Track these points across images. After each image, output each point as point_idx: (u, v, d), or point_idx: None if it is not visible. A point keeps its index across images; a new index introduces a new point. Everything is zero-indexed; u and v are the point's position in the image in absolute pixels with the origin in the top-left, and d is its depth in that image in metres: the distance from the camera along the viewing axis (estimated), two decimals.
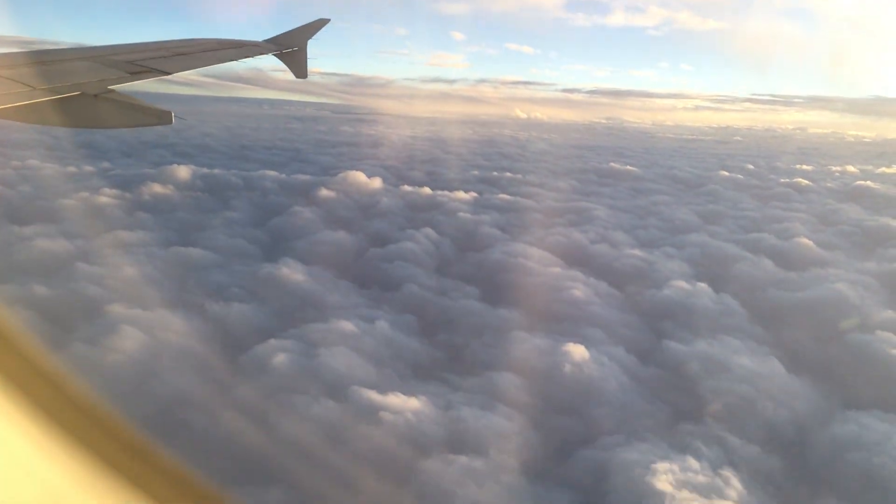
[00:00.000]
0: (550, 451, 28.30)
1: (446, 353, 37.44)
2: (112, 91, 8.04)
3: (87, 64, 9.13)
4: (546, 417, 30.71)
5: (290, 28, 15.30)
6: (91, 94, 7.76)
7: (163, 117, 7.91)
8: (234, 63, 12.18)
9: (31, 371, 2.62)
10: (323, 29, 15.62)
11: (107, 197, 67.37)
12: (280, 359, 32.01)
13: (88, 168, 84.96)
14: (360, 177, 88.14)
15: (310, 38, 14.98)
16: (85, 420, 2.56)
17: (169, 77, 10.12)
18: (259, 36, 14.72)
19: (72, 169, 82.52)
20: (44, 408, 2.45)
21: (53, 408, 2.49)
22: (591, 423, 30.36)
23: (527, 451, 27.83)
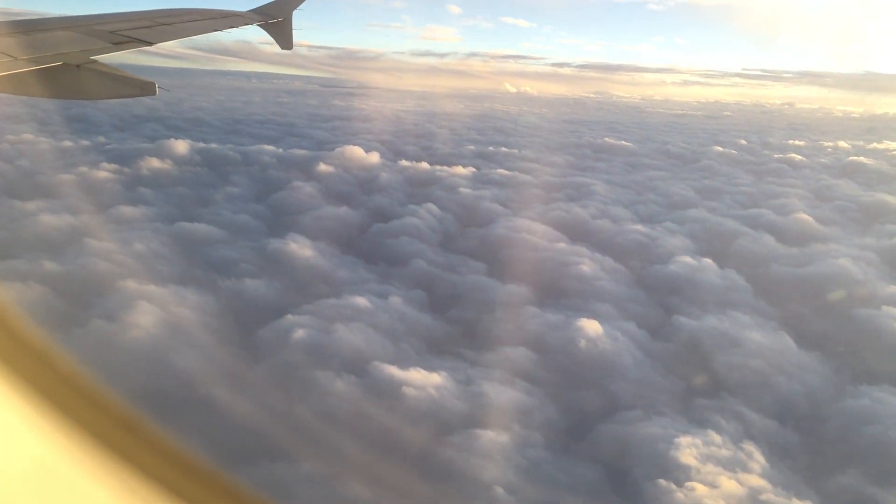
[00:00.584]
0: (571, 425, 28.57)
1: (460, 329, 37.54)
2: (95, 61, 8.01)
3: (69, 34, 9.04)
4: (564, 392, 30.99)
5: None
6: (74, 64, 7.74)
7: (146, 88, 7.94)
8: (221, 35, 12.21)
9: (23, 348, 2.59)
10: (313, 1, 15.54)
11: (106, 172, 66.71)
12: (299, 334, 32.03)
13: (84, 142, 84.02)
14: (357, 151, 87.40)
15: (295, 7, 14.95)
16: (82, 398, 2.53)
17: (158, 50, 10.09)
18: (244, 6, 14.56)
19: (67, 143, 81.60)
20: (38, 386, 2.41)
21: (48, 386, 2.45)
22: (610, 397, 30.64)
23: (549, 425, 28.13)
